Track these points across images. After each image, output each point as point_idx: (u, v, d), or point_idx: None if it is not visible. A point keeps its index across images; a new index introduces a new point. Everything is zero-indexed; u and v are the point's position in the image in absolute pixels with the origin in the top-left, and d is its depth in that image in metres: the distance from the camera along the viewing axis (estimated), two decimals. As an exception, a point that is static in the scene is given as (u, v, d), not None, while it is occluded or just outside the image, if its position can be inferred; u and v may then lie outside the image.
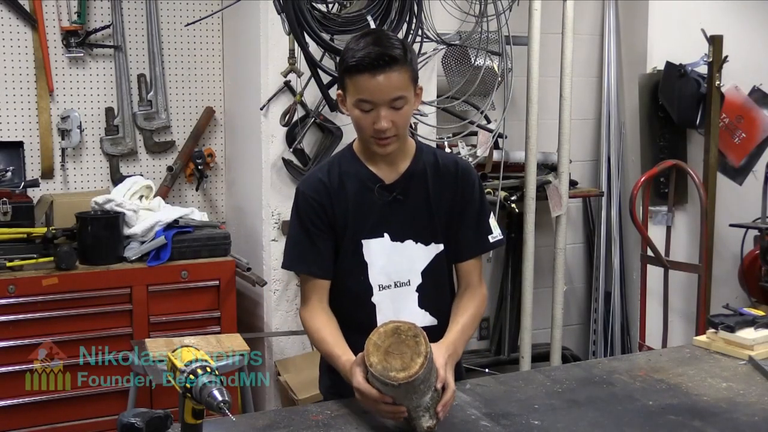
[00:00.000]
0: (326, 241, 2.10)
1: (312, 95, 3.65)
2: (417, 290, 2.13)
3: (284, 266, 2.21)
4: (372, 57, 1.92)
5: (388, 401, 1.80)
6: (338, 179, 2.10)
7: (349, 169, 2.12)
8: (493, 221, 2.21)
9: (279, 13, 3.27)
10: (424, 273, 2.13)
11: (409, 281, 2.12)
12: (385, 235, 2.10)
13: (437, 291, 2.15)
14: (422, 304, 2.14)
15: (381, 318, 2.08)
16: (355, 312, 2.07)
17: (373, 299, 2.10)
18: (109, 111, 4.07)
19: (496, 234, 2.20)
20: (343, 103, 2.06)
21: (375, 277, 2.10)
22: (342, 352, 1.98)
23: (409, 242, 2.11)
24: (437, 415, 1.82)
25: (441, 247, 2.14)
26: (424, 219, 2.12)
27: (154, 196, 3.85)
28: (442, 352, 1.91)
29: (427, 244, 2.12)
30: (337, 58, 3.50)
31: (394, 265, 2.11)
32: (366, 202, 2.09)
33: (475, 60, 3.96)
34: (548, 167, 4.15)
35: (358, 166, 2.12)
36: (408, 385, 1.74)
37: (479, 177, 2.23)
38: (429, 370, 1.79)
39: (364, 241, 2.09)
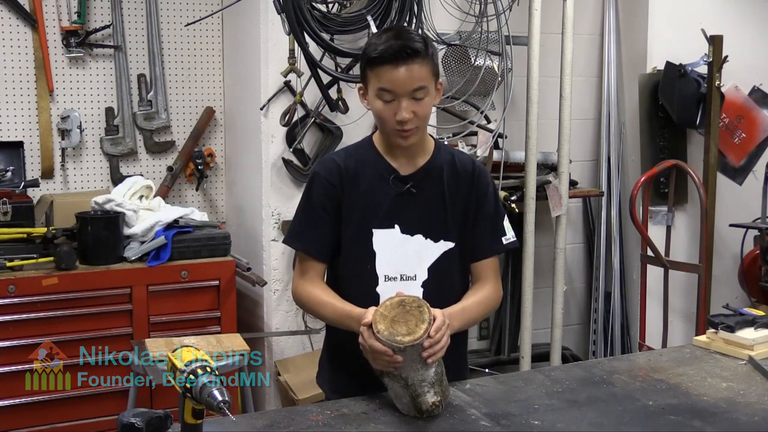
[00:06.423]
0: (329, 224, 2.13)
1: (312, 95, 3.66)
2: (422, 286, 2.13)
3: (284, 241, 2.26)
4: (394, 49, 2.00)
5: (390, 353, 1.85)
6: (354, 165, 2.14)
7: (367, 158, 2.16)
8: (507, 224, 2.24)
9: (279, 13, 3.27)
10: (430, 269, 2.14)
11: (415, 276, 2.13)
12: (396, 226, 2.12)
13: (443, 289, 2.14)
14: (426, 300, 2.13)
15: None
16: (358, 300, 2.06)
17: (378, 289, 2.11)
18: (109, 111, 4.07)
19: (510, 236, 2.24)
20: (364, 97, 2.12)
21: (382, 267, 2.12)
22: (352, 306, 2.03)
23: (419, 237, 2.13)
24: (442, 391, 1.91)
25: (451, 245, 2.15)
26: (436, 215, 2.14)
27: (154, 196, 3.85)
28: (438, 312, 1.93)
29: (436, 240, 2.13)
30: (337, 58, 3.53)
31: (402, 257, 2.13)
32: (379, 191, 2.12)
33: (475, 60, 3.96)
34: (548, 167, 4.15)
35: (375, 156, 2.16)
36: (413, 348, 1.84)
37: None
38: None
39: (374, 231, 2.11)
